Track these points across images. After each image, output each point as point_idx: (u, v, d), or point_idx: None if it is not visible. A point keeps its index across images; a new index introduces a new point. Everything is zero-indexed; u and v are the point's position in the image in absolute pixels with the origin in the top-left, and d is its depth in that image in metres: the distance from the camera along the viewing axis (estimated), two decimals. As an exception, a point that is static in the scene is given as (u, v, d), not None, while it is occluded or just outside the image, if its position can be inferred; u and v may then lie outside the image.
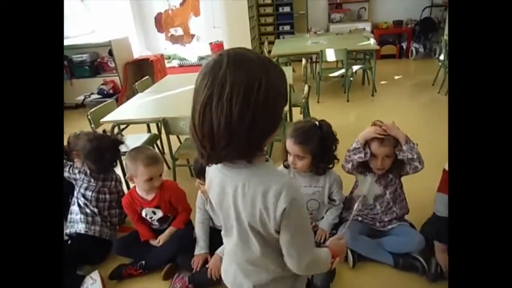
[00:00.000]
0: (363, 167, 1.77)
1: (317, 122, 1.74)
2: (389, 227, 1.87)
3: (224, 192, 0.85)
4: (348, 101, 4.35)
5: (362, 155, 1.68)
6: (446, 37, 4.77)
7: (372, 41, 4.59)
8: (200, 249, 1.85)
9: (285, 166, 1.86)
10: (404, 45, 6.55)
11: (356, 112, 4.10)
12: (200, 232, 1.89)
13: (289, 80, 3.10)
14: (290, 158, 1.75)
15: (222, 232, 0.98)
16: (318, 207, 1.92)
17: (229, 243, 0.96)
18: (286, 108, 2.36)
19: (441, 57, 4.49)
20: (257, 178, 0.80)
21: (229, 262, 0.99)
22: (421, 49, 6.37)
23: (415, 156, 1.62)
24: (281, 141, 1.81)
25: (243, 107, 0.68)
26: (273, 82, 0.71)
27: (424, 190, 1.90)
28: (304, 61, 3.85)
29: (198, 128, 0.72)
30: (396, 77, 5.36)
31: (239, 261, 0.94)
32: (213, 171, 0.88)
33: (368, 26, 6.60)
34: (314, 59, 5.47)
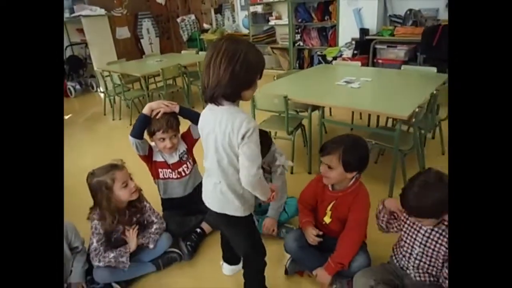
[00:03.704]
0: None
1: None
2: None
3: (208, 122, 1.30)
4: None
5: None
6: (98, 70, 5.10)
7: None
8: None
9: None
10: (60, 85, 6.41)
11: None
12: None
13: None
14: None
15: (204, 155, 1.39)
16: None
17: (207, 162, 1.38)
18: None
19: (101, 89, 4.79)
20: (229, 112, 1.24)
21: (207, 175, 1.43)
22: (78, 86, 6.47)
23: None
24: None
25: (227, 67, 1.14)
26: (249, 57, 1.16)
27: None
28: None
29: (204, 78, 1.20)
30: (66, 117, 5.23)
31: (215, 172, 1.34)
32: (205, 110, 1.35)
33: None
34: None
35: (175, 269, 1.98)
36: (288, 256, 1.86)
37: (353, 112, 3.57)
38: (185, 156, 2.15)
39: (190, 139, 2.16)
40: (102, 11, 6.20)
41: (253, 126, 1.21)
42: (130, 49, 7.34)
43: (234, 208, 1.38)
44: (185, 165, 2.15)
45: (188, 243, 2.04)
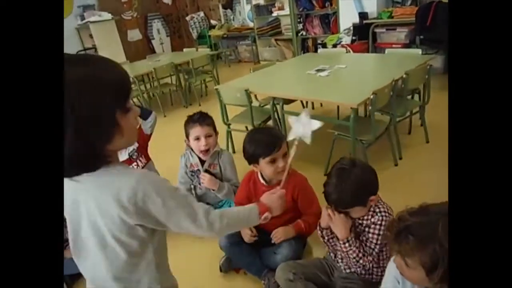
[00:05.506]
0: None
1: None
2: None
3: (76, 205, 0.80)
4: None
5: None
6: None
7: None
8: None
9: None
10: None
11: None
12: None
13: None
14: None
15: (72, 251, 0.87)
16: None
17: (83, 262, 0.86)
18: None
19: None
20: (106, 181, 0.76)
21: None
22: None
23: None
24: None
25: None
26: (85, 103, 0.68)
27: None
28: None
29: None
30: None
31: (103, 279, 0.84)
32: (65, 182, 0.75)
33: None
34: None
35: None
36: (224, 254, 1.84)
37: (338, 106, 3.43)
38: (135, 154, 2.19)
39: (142, 136, 2.20)
40: (109, 16, 6.42)
41: (152, 186, 0.78)
42: (142, 50, 7.53)
43: None
44: (135, 163, 2.19)
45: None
